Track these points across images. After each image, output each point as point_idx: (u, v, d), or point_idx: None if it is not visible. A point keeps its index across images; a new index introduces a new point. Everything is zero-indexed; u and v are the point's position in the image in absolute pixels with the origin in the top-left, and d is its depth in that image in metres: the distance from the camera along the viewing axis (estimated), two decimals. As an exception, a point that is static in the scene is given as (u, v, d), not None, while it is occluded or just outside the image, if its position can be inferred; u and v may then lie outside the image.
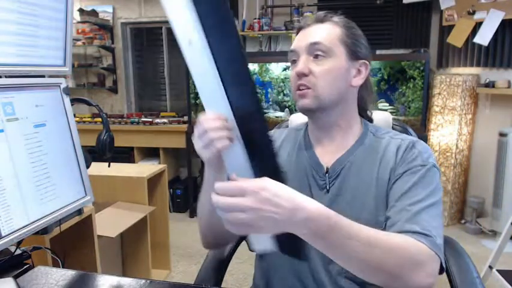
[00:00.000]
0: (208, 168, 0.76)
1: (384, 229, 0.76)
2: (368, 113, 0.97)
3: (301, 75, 0.84)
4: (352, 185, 0.84)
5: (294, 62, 0.89)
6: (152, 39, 4.45)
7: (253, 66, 3.51)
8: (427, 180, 0.79)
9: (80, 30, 4.29)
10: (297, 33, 0.93)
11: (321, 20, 0.89)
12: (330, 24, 0.88)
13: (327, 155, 0.89)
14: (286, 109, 3.49)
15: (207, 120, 0.64)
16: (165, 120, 3.77)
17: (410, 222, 0.72)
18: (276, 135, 1.01)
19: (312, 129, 0.94)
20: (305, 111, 0.88)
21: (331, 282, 0.83)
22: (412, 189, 0.78)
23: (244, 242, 1.15)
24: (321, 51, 0.84)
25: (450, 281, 0.92)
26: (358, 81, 0.88)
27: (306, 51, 0.86)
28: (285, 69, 3.43)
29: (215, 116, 0.64)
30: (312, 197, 0.84)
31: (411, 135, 1.08)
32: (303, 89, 0.85)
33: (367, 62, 0.89)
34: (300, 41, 0.88)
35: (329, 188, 0.86)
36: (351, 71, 0.87)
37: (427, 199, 0.76)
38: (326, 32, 0.86)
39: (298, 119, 1.15)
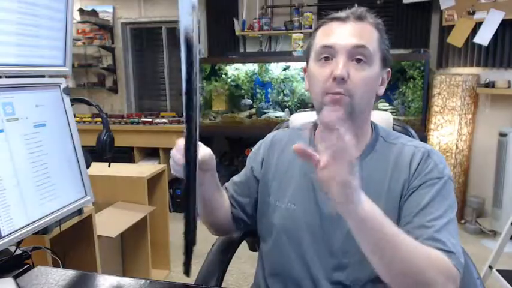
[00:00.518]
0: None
1: None
2: None
3: (339, 80, 0.76)
4: None
5: (326, 59, 0.79)
6: (152, 39, 4.45)
7: (253, 66, 3.51)
8: (444, 194, 0.76)
9: (80, 30, 4.29)
10: (318, 27, 0.83)
11: (360, 17, 0.80)
12: (369, 25, 0.80)
13: None
14: (286, 109, 3.49)
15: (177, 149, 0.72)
16: (165, 120, 3.77)
17: (432, 240, 0.71)
18: (278, 136, 0.99)
19: (322, 133, 0.89)
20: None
21: None
22: (431, 205, 0.75)
23: (244, 242, 1.15)
24: (364, 57, 0.77)
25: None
26: (382, 90, 0.84)
27: (347, 52, 0.77)
28: (284, 69, 3.43)
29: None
30: (317, 203, 0.82)
31: (412, 135, 1.07)
32: (336, 95, 0.77)
33: (390, 71, 0.85)
34: (338, 37, 0.78)
35: None
36: (379, 79, 0.82)
37: (445, 215, 0.74)
38: (369, 34, 0.79)
39: (298, 119, 1.15)
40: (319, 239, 0.83)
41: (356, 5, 0.84)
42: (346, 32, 0.78)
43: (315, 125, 0.94)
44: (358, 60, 0.77)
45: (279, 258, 0.89)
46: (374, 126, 0.89)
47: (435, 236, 0.71)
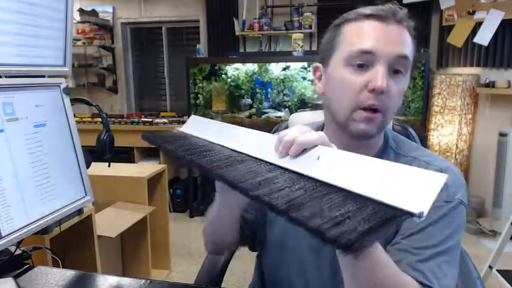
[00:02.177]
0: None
1: None
2: None
3: (379, 92, 0.65)
4: None
5: (361, 65, 0.67)
6: (152, 39, 4.45)
7: (253, 66, 3.51)
8: (448, 221, 0.66)
9: (80, 30, 4.29)
10: (345, 18, 0.71)
11: (400, 20, 0.67)
12: (407, 30, 0.68)
13: None
14: (286, 109, 3.49)
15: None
16: (165, 120, 3.77)
17: (411, 268, 0.62)
18: None
19: (332, 139, 0.63)
20: (364, 138, 0.71)
21: None
22: (427, 230, 0.64)
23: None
24: (404, 68, 0.67)
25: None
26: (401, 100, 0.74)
27: (389, 62, 0.66)
28: (284, 69, 3.43)
29: None
30: None
31: (412, 135, 1.02)
32: (372, 111, 0.67)
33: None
34: (380, 42, 0.66)
35: None
36: None
37: (440, 245, 0.64)
38: (408, 42, 0.68)
39: (298, 118, 1.15)
40: (321, 256, 0.78)
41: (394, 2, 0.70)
42: (388, 36, 0.66)
43: (319, 128, 0.83)
44: (396, 72, 0.67)
45: (278, 269, 0.85)
46: (385, 135, 0.78)
47: (416, 265, 0.62)
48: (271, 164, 0.56)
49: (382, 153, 0.75)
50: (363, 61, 0.66)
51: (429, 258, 0.63)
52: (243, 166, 0.56)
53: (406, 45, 0.67)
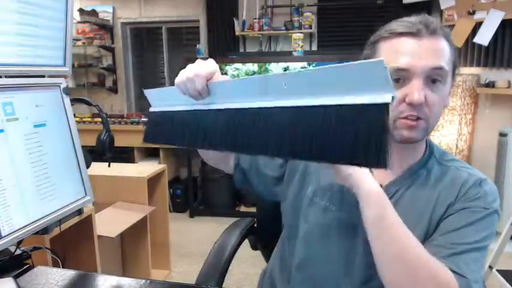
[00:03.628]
0: None
1: None
2: None
3: (417, 105, 0.70)
4: (403, 213, 0.69)
5: (397, 80, 0.71)
6: (152, 39, 4.45)
7: (253, 66, 3.51)
8: (483, 225, 0.71)
9: (80, 30, 4.29)
10: (379, 36, 0.75)
11: (433, 32, 0.72)
12: (443, 40, 0.72)
13: (383, 171, 0.74)
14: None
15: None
16: (165, 120, 3.77)
17: (447, 259, 0.66)
18: None
19: None
20: (407, 142, 0.75)
21: None
22: (464, 230, 0.70)
23: (245, 243, 1.15)
24: (441, 77, 0.71)
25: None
26: (449, 100, 0.78)
27: (424, 75, 0.70)
28: (285, 69, 3.42)
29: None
30: (355, 209, 0.74)
31: None
32: (412, 119, 0.71)
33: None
34: (413, 58, 0.69)
35: None
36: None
37: (474, 243, 0.69)
38: (444, 51, 0.71)
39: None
40: (348, 248, 0.80)
41: (426, 14, 0.76)
42: (422, 51, 0.70)
43: None
44: (434, 81, 0.71)
45: (306, 254, 0.85)
46: (429, 144, 0.82)
47: (451, 257, 0.67)
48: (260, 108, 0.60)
49: (427, 160, 0.80)
50: (400, 76, 0.71)
51: (462, 252, 0.67)
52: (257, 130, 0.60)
53: (441, 56, 0.71)
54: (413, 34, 0.71)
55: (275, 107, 0.58)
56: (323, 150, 0.50)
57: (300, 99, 0.54)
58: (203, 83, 0.69)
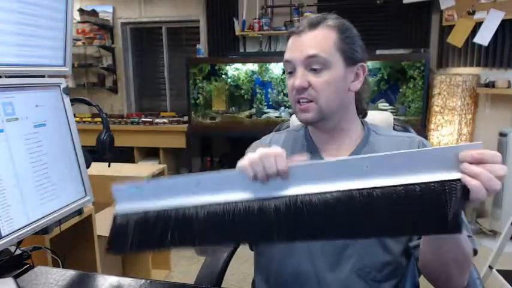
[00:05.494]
0: None
1: None
2: (364, 106, 0.94)
3: (300, 89, 0.82)
4: None
5: (290, 73, 0.85)
6: (152, 39, 4.45)
7: (253, 67, 3.51)
8: None
9: (80, 30, 4.29)
10: (288, 37, 0.87)
11: (314, 25, 0.83)
12: (325, 30, 0.83)
13: (332, 156, 0.87)
14: (287, 109, 3.49)
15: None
16: (165, 120, 3.77)
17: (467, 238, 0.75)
18: (275, 138, 0.98)
19: (313, 132, 0.93)
20: (308, 123, 0.88)
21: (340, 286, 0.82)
22: None
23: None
24: (319, 64, 0.81)
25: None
26: (356, 85, 0.86)
27: (303, 64, 0.82)
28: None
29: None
30: None
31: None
32: (303, 103, 0.83)
33: (364, 64, 0.87)
34: (294, 51, 0.83)
35: None
36: (349, 76, 0.85)
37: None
38: (322, 40, 0.82)
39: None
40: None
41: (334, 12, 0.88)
42: (300, 44, 0.83)
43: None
44: (314, 69, 0.81)
45: (285, 259, 0.87)
46: (363, 123, 0.93)
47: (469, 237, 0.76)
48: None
49: (367, 136, 0.89)
50: (290, 68, 0.85)
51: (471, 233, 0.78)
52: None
53: (316, 45, 0.81)
54: (297, 33, 0.84)
55: (376, 187, 0.59)
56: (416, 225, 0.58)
57: (388, 179, 0.58)
58: (285, 162, 0.63)
